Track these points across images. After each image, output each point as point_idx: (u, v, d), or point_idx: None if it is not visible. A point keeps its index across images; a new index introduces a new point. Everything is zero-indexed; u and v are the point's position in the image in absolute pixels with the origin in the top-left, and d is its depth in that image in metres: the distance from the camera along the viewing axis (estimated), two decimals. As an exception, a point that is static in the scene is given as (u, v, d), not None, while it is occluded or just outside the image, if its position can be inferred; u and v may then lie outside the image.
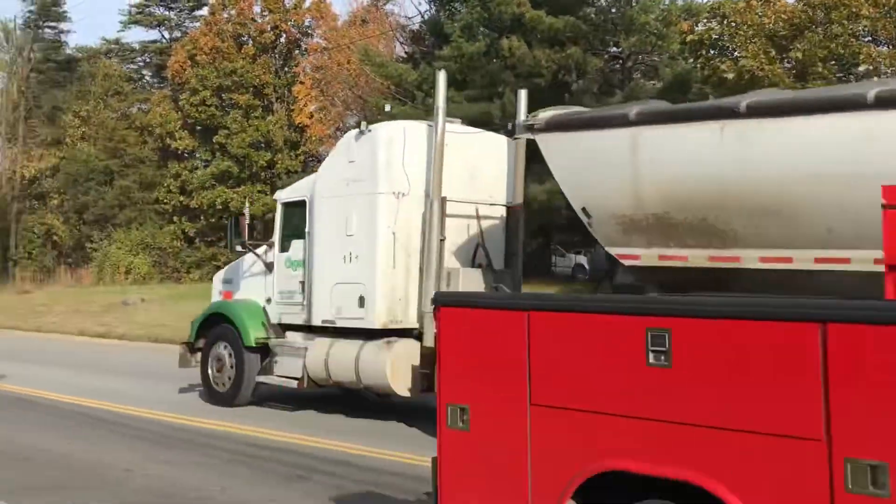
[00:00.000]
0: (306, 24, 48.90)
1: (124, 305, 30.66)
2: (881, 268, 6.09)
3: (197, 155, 50.33)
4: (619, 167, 8.21)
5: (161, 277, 46.14)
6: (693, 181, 7.80)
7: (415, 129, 11.20)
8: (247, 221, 12.87)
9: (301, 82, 45.52)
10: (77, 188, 50.78)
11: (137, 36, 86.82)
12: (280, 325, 12.40)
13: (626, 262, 8.57)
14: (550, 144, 8.79)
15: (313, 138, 45.03)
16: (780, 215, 7.52)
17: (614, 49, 33.33)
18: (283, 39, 48.37)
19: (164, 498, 8.01)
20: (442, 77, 11.20)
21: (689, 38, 24.62)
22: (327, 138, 42.83)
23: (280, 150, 46.45)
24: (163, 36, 56.77)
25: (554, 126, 8.80)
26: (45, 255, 53.45)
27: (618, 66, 34.08)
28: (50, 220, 53.60)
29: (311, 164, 43.91)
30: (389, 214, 10.83)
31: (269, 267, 12.53)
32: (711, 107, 8.15)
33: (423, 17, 41.23)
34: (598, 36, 31.39)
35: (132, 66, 58.50)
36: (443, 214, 10.57)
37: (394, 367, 10.54)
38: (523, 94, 11.30)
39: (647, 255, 8.32)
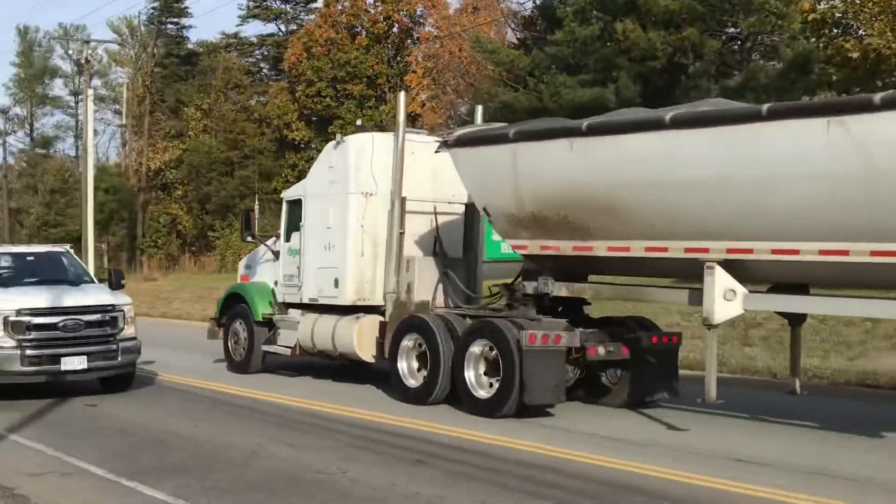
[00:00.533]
0: (418, 13, 49.24)
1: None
2: (693, 255, 8.69)
3: (313, 145, 51.27)
4: (504, 175, 10.38)
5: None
6: (554, 186, 9.89)
7: (382, 140, 12.94)
8: (256, 216, 15.36)
9: (413, 71, 45.86)
10: (199, 179, 52.53)
11: (255, 29, 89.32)
12: (284, 303, 14.37)
13: (519, 252, 10.86)
14: (458, 157, 11.14)
15: (425, 127, 45.38)
16: (615, 214, 9.47)
17: (732, 30, 32.39)
18: (395, 29, 48.80)
19: (289, 479, 8.23)
20: (402, 97, 12.68)
21: (810, 16, 23.67)
22: (439, 127, 43.08)
23: (392, 139, 46.88)
24: (279, 29, 58.08)
25: (459, 143, 11.08)
26: (170, 244, 55.49)
27: (736, 46, 33.12)
28: (174, 209, 55.61)
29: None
30: (359, 211, 12.80)
31: (276, 255, 14.52)
32: (563, 127, 10.23)
33: (534, 2, 40.96)
34: (715, 16, 30.56)
35: (250, 59, 60.03)
36: (402, 212, 12.19)
37: (359, 338, 12.52)
38: (479, 110, 14.77)
39: (532, 246, 10.55)
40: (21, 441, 10.03)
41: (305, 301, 13.79)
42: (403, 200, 12.24)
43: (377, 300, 12.70)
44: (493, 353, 10.45)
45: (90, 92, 38.51)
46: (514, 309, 11.05)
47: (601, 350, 10.59)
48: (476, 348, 10.68)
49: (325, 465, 8.72)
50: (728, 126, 8.49)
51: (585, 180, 9.66)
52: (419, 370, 11.62)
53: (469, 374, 10.68)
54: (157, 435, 10.43)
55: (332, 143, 13.56)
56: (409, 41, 49.45)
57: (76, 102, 72.01)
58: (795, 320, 10.11)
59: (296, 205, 14.14)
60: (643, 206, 9.25)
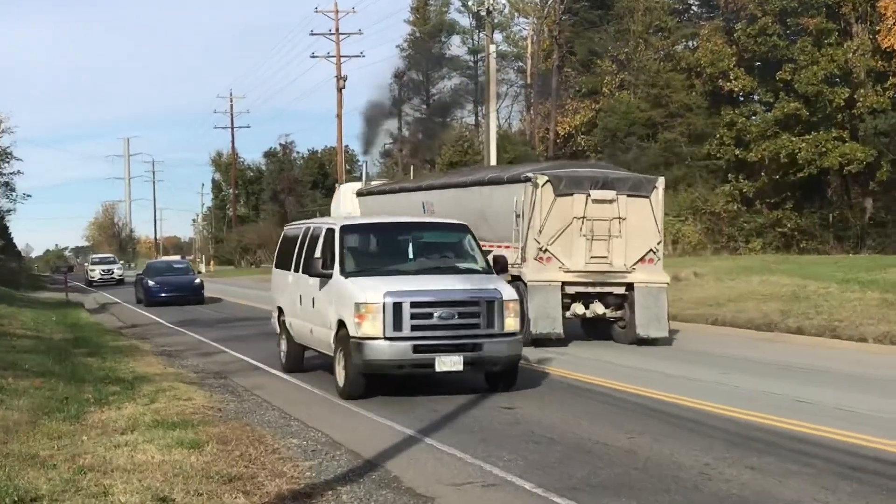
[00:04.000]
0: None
1: (675, 281, 31.62)
2: (502, 251, 18.63)
3: (756, 97, 50.11)
4: (375, 209, 26.42)
5: (714, 248, 46.82)
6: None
7: (351, 186, 30.52)
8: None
9: (890, -6, 43.10)
10: (616, 145, 53.47)
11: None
12: None
13: None
14: (362, 203, 29.30)
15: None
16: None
17: None
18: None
19: (752, 510, 8.11)
20: (366, 165, 33.39)
21: None
22: None
23: (862, 83, 44.44)
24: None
25: (360, 193, 30.24)
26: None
27: None
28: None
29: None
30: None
31: None
32: (408, 186, 27.92)
33: None
34: None
35: (677, -5, 59.93)
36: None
37: None
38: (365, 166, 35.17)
39: None
40: (437, 445, 10.88)
41: None
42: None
43: None
44: None
45: (492, 48, 40.74)
46: None
47: None
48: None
49: (798, 495, 8.51)
50: (460, 188, 23.72)
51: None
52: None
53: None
54: (582, 444, 10.83)
55: (337, 186, 22.13)
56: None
57: (475, 62, 76.77)
58: None
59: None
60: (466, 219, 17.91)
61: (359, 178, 35.91)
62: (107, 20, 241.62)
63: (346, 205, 30.74)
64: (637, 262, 20.41)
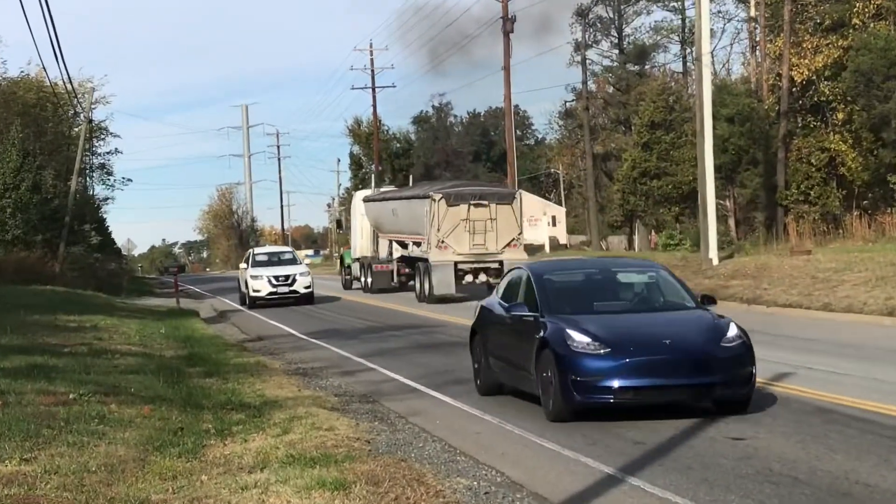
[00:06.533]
0: None
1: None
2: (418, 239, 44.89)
3: None
4: (372, 212, 52.40)
5: None
6: (378, 217, 51.31)
7: (362, 193, 56.35)
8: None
9: None
10: (871, 92, 52.01)
11: None
12: None
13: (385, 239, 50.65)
14: (366, 207, 53.20)
15: None
16: (404, 223, 46.81)
17: None
18: None
19: None
20: (375, 176, 63.79)
21: None
22: None
23: None
24: None
25: (365, 199, 53.94)
26: (829, 197, 55.85)
27: None
28: (833, 143, 55.84)
29: None
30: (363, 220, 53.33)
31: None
32: (387, 196, 52.83)
33: None
34: None
35: None
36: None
37: None
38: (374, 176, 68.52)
39: (388, 237, 50.32)
40: (646, 487, 10.85)
41: None
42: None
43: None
44: None
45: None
46: None
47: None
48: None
49: None
50: (412, 199, 46.15)
51: (389, 215, 49.51)
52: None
53: None
54: (837, 485, 10.67)
55: (354, 194, 45.74)
56: None
57: (681, -8, 75.86)
58: None
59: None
60: (403, 222, 46.09)
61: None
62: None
63: (357, 209, 54.45)
64: (505, 247, 40.83)
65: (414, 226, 42.97)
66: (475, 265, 38.96)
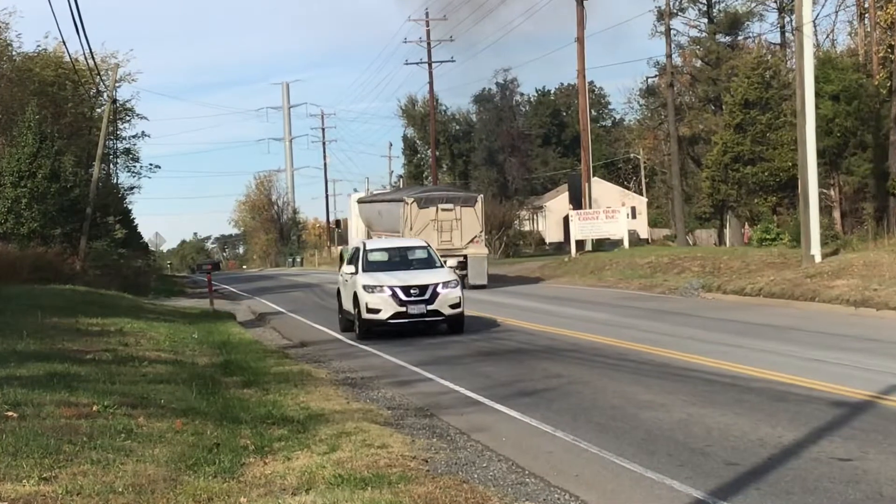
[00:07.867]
0: None
1: None
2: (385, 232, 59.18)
3: None
4: (367, 216, 65.68)
5: None
6: (369, 218, 65.17)
7: (357, 195, 73.76)
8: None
9: None
10: None
11: None
12: None
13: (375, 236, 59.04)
14: (359, 208, 68.31)
15: None
16: (387, 223, 59.67)
17: None
18: None
19: None
20: (367, 181, 78.87)
21: None
22: None
23: None
24: None
25: (359, 201, 69.43)
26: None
27: None
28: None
29: None
30: (357, 220, 68.34)
31: None
32: (376, 199, 67.17)
33: None
34: None
35: None
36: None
37: None
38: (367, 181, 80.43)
39: (377, 234, 59.85)
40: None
41: None
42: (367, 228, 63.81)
43: None
44: None
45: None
46: None
47: None
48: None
49: None
50: (392, 202, 59.95)
51: (377, 215, 63.23)
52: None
53: None
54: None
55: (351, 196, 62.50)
56: None
57: (779, -48, 75.37)
58: None
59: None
60: (389, 222, 57.96)
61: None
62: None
63: (353, 210, 68.57)
64: (468, 242, 52.32)
65: (395, 225, 54.39)
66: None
